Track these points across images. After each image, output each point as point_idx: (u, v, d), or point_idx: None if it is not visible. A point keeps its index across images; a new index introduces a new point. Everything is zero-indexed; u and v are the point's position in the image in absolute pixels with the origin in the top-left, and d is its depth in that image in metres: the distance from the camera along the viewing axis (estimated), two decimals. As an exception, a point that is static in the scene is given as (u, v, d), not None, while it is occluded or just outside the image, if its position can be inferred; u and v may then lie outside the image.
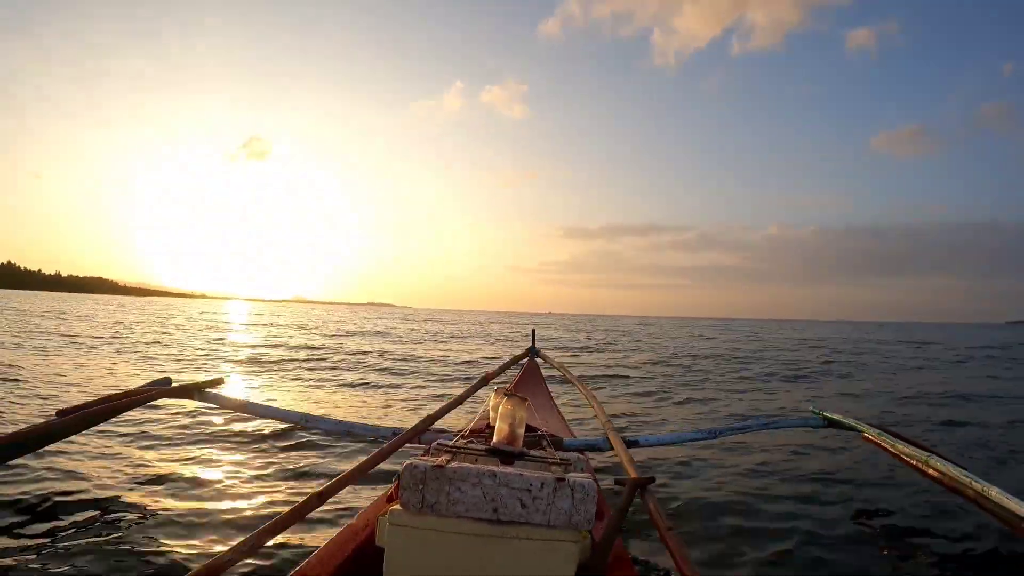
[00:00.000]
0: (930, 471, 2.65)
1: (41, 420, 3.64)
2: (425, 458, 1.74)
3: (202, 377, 5.31)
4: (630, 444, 3.01)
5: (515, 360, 5.42)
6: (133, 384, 4.45)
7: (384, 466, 2.32)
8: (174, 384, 3.72)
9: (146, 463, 3.71)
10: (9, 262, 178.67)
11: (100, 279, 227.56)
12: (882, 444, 3.11)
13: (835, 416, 3.66)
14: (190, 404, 4.49)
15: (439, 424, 3.05)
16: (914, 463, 2.78)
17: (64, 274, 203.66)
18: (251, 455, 3.97)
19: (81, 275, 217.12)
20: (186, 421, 4.70)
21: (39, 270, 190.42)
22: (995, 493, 2.22)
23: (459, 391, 4.06)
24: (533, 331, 6.08)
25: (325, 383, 7.91)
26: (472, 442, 2.16)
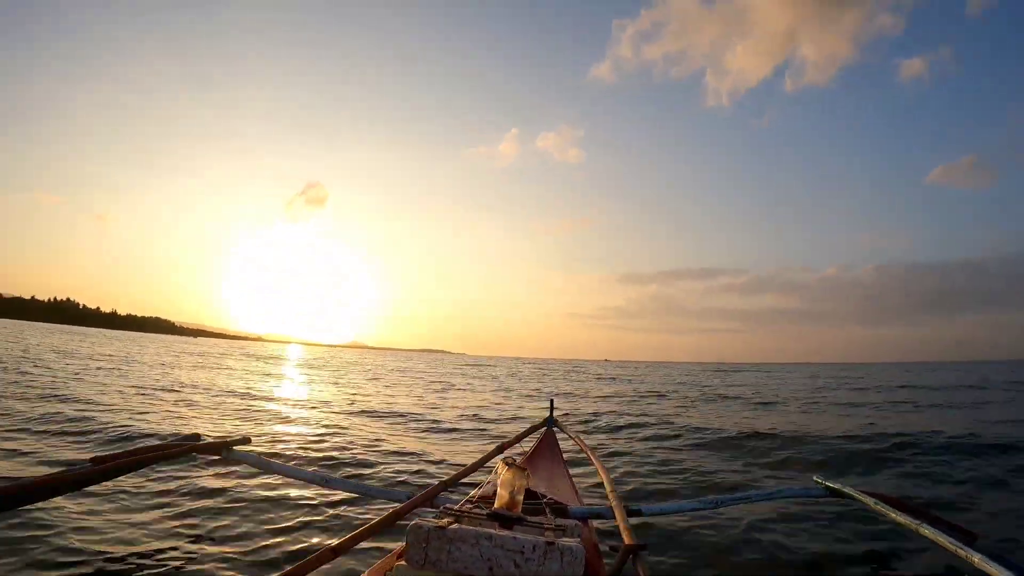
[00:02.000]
0: (923, 535, 2.96)
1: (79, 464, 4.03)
2: (429, 520, 2.08)
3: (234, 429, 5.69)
4: (632, 512, 3.25)
5: (532, 429, 5.73)
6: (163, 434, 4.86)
7: (399, 528, 2.61)
8: (203, 440, 4.13)
9: (169, 516, 4.05)
10: (68, 299, 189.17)
11: (157, 319, 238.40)
12: (880, 511, 3.37)
13: (836, 485, 3.87)
14: (218, 460, 4.88)
15: (454, 490, 3.42)
16: (910, 528, 3.07)
17: (123, 313, 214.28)
18: (272, 513, 4.27)
19: (139, 314, 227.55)
20: (213, 477, 5.05)
21: (97, 308, 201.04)
22: (977, 560, 2.50)
23: (474, 458, 4.33)
24: (551, 401, 6.33)
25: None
26: (478, 506, 2.57)
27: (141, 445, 4.08)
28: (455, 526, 2.01)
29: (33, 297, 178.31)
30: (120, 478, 4.05)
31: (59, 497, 3.66)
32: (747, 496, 3.90)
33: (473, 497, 2.98)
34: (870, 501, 3.48)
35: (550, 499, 3.09)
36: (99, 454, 3.57)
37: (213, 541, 3.67)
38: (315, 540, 3.77)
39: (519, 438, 5.27)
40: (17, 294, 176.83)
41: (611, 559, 2.77)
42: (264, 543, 3.68)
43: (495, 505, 2.48)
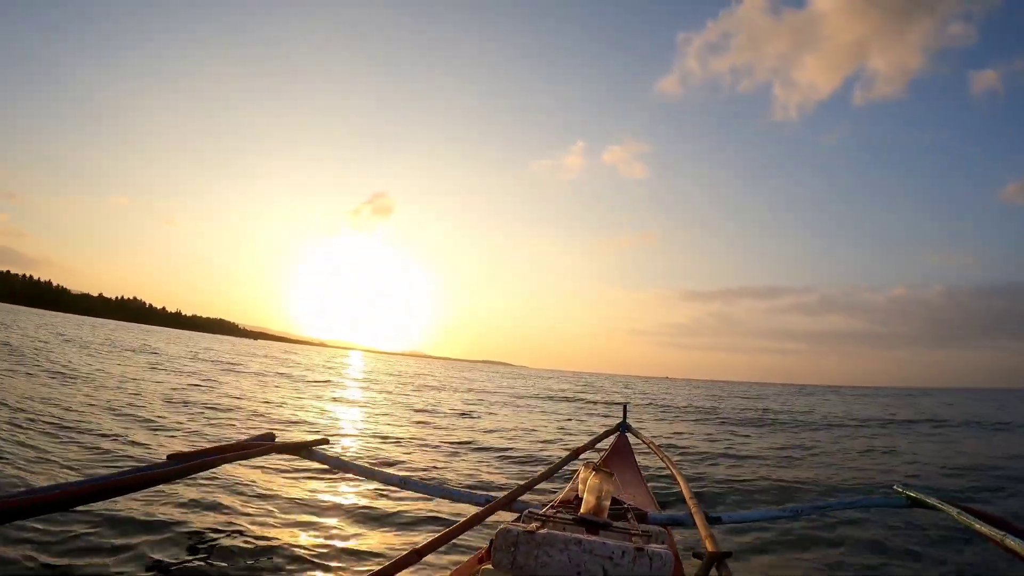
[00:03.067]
0: (1008, 547, 2.84)
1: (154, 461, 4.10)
2: (517, 524, 2.11)
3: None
4: (712, 520, 3.22)
5: (605, 434, 5.75)
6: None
7: (476, 531, 2.59)
8: (278, 440, 4.16)
9: (248, 514, 4.14)
10: (135, 297, 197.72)
11: (221, 320, 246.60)
12: (964, 522, 3.24)
13: (919, 495, 3.77)
14: (295, 461, 4.94)
15: (530, 494, 3.44)
16: (995, 539, 2.94)
17: (187, 313, 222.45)
18: (352, 512, 4.37)
19: (203, 315, 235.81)
20: (290, 476, 5.12)
21: (163, 308, 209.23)
22: None
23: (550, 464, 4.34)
24: (625, 406, 6.33)
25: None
26: (561, 511, 2.60)
27: (218, 444, 4.10)
28: (544, 531, 2.01)
29: (101, 294, 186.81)
30: (197, 475, 4.13)
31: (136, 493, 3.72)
32: (828, 505, 3.99)
33: (555, 502, 3.06)
34: (953, 511, 3.35)
35: (631, 505, 3.11)
36: (177, 451, 3.61)
37: (292, 540, 3.74)
38: (395, 542, 3.85)
39: (593, 443, 5.30)
40: (86, 291, 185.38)
41: (692, 567, 2.76)
42: (345, 545, 3.74)
43: (581, 510, 2.53)
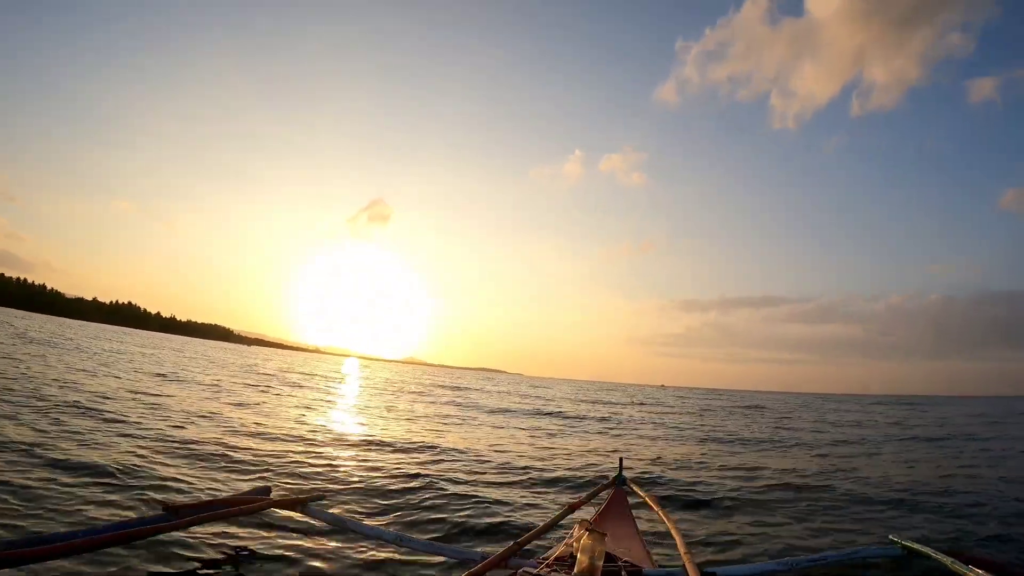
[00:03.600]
0: None
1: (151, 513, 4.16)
2: None
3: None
4: (707, 575, 3.29)
5: (602, 488, 5.81)
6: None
7: None
8: (274, 494, 4.26)
9: (245, 573, 4.13)
10: (130, 302, 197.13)
11: (216, 326, 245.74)
12: (959, 572, 3.29)
13: (914, 545, 3.84)
14: (293, 516, 4.99)
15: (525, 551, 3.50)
16: None
17: (182, 319, 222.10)
18: (348, 571, 4.35)
19: (199, 320, 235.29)
20: (288, 532, 5.15)
21: (158, 312, 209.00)
22: None
23: (546, 518, 4.39)
24: (620, 460, 6.37)
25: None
26: (555, 570, 2.71)
27: (215, 497, 4.17)
28: None
29: (95, 298, 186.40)
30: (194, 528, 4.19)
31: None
32: (823, 557, 3.96)
33: (549, 559, 3.08)
34: (947, 560, 3.41)
35: (625, 562, 3.20)
36: (172, 502, 3.69)
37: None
38: None
39: (589, 497, 5.34)
40: (81, 295, 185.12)
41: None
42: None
43: (575, 571, 2.59)
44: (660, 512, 4.80)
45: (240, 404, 15.07)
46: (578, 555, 2.66)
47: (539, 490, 8.07)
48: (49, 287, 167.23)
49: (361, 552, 4.72)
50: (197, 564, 4.10)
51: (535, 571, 2.65)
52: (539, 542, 4.28)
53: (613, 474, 6.10)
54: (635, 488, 5.85)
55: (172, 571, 3.90)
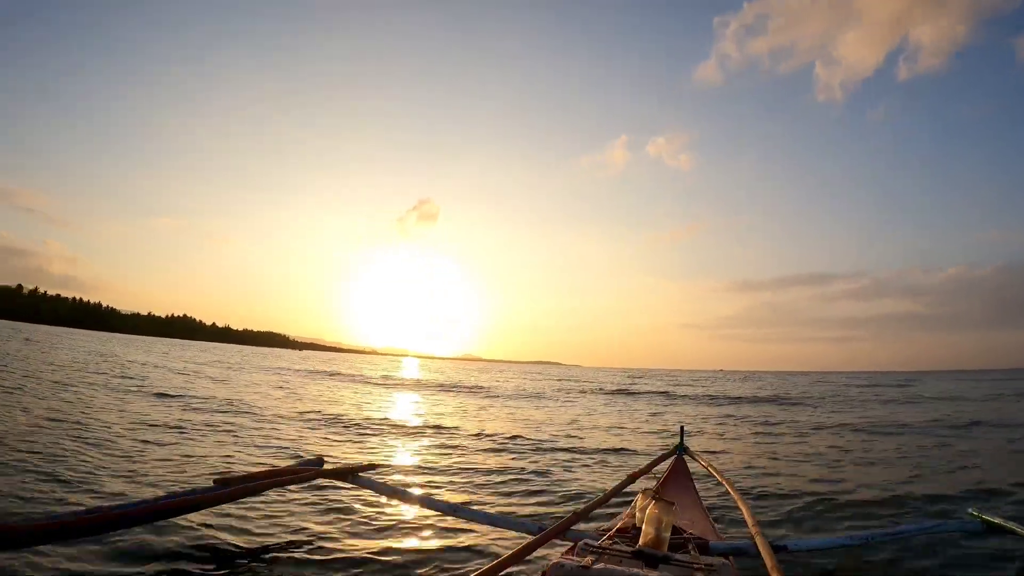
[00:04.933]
0: None
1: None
2: (571, 558, 2.07)
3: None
4: (778, 549, 3.14)
5: (662, 458, 5.68)
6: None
7: (528, 561, 2.56)
8: (327, 465, 4.28)
9: (294, 541, 4.21)
10: (184, 315, 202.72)
11: (271, 333, 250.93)
12: None
13: (995, 520, 3.72)
14: (342, 486, 5.03)
15: (584, 521, 3.38)
16: None
17: (238, 328, 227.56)
18: (399, 541, 4.38)
19: (255, 329, 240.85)
20: (337, 502, 5.21)
21: (213, 323, 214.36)
22: None
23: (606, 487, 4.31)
24: (682, 428, 6.21)
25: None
26: (617, 542, 2.53)
27: (265, 468, 4.23)
28: (599, 566, 1.95)
29: (150, 313, 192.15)
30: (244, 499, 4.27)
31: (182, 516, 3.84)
32: (899, 531, 3.86)
33: (611, 530, 2.96)
34: None
35: (691, 534, 3.03)
36: (223, 475, 3.74)
37: (337, 569, 3.78)
38: (445, 573, 3.83)
39: (650, 467, 5.23)
40: (137, 310, 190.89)
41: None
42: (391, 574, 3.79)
43: (640, 542, 2.46)
44: (724, 481, 4.69)
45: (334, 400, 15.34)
46: (643, 526, 2.53)
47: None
48: (105, 305, 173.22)
49: (414, 522, 4.73)
50: (248, 534, 4.18)
51: (596, 543, 2.44)
52: (600, 510, 4.22)
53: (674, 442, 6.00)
54: (697, 456, 5.74)
55: (224, 540, 4.01)
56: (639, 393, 29.50)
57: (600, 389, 32.31)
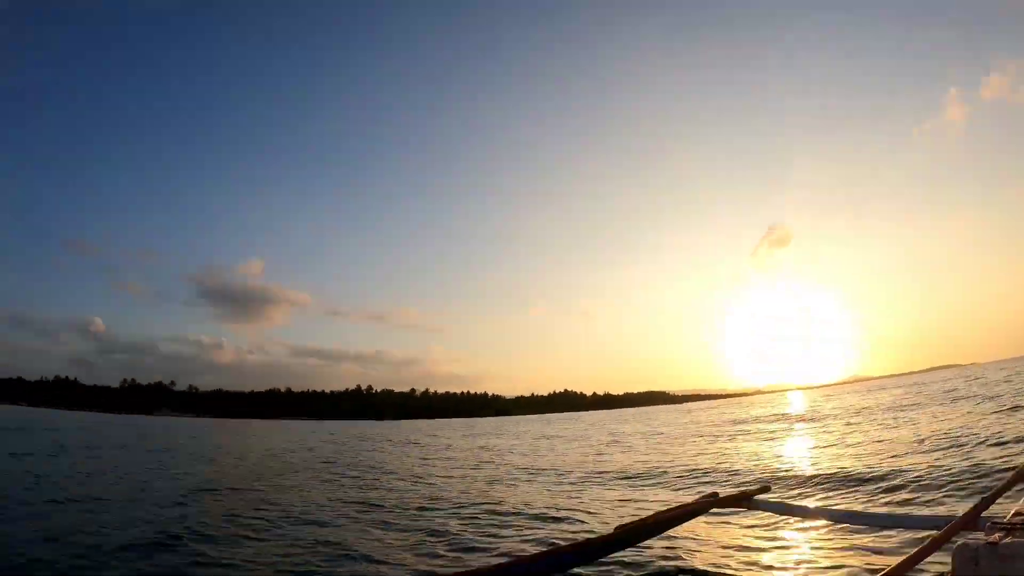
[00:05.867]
0: None
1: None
2: (977, 537, 2.09)
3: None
4: None
5: None
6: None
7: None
8: (721, 495, 4.34)
9: (700, 571, 4.29)
10: (566, 390, 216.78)
11: (651, 392, 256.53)
12: None
13: None
14: (739, 512, 5.09)
15: (994, 508, 3.19)
16: None
17: (618, 393, 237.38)
18: (805, 554, 4.60)
19: (635, 391, 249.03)
20: (735, 528, 5.24)
21: (593, 392, 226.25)
22: None
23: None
24: None
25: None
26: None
27: (660, 510, 4.42)
28: (1008, 540, 1.88)
29: (533, 393, 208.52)
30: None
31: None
32: None
33: (1022, 508, 2.74)
34: None
35: None
36: (622, 523, 3.96)
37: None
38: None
39: None
40: (520, 394, 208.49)
41: None
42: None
43: None
44: None
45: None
46: None
47: None
48: (491, 394, 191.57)
49: (813, 537, 4.72)
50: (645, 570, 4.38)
51: (1003, 521, 2.34)
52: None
53: None
54: None
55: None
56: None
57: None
